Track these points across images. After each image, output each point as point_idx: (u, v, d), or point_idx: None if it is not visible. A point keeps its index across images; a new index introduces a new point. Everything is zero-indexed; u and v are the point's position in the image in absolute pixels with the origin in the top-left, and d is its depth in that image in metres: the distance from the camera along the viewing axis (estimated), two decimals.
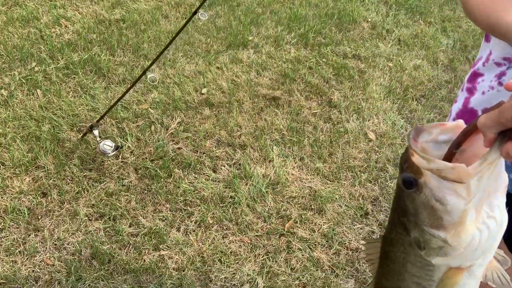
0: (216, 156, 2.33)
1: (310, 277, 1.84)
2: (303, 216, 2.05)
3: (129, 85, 2.72)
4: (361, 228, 2.02)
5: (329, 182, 2.22)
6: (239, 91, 2.71)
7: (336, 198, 2.13)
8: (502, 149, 0.48)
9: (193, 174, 2.23)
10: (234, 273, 1.86)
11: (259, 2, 3.63)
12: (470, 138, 0.51)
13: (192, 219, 2.04)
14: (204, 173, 2.24)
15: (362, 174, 2.25)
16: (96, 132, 2.22)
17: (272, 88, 2.78)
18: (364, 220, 2.05)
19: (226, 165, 2.28)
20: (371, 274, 1.83)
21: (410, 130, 0.50)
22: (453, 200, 0.50)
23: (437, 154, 0.54)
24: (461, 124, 0.53)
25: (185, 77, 2.80)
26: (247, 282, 1.83)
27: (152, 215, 2.05)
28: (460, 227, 0.51)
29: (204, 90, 2.72)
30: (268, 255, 1.92)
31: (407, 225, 0.55)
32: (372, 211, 2.08)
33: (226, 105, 2.62)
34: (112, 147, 2.15)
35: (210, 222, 2.03)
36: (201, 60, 2.95)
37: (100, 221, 2.03)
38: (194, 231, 2.00)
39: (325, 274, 1.85)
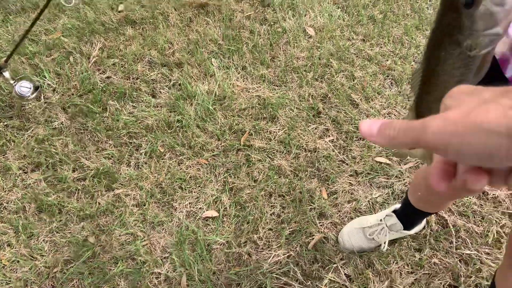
0: (151, 79, 2.12)
1: (275, 185, 1.82)
2: (256, 127, 1.97)
3: (33, 14, 2.34)
4: (315, 128, 1.99)
5: (276, 87, 2.13)
6: (161, 2, 2.43)
7: (286, 103, 2.06)
8: None
9: (131, 103, 2.03)
10: (197, 197, 1.79)
11: None
12: None
13: (141, 151, 1.89)
14: (143, 100, 2.05)
15: (308, 73, 2.18)
16: (7, 74, 1.91)
17: None
18: (317, 119, 2.02)
19: (165, 87, 2.10)
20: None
21: None
22: (507, 5, 0.56)
23: None
24: None
25: None
26: (212, 202, 1.78)
27: (96, 155, 1.88)
28: (505, 22, 0.58)
29: (121, 7, 2.40)
30: (228, 172, 1.86)
31: (460, 40, 0.62)
32: (324, 108, 2.05)
33: (150, 20, 2.34)
34: (30, 88, 1.88)
35: (162, 151, 1.90)
36: None
37: (37, 172, 1.83)
38: (146, 163, 1.87)
39: (289, 179, 1.84)
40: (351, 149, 1.93)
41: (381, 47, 2.32)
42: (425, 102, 0.76)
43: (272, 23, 2.39)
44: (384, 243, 1.63)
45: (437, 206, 1.47)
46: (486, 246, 1.70)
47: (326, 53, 2.26)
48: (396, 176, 1.84)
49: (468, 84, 0.60)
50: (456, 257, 1.67)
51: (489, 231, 1.73)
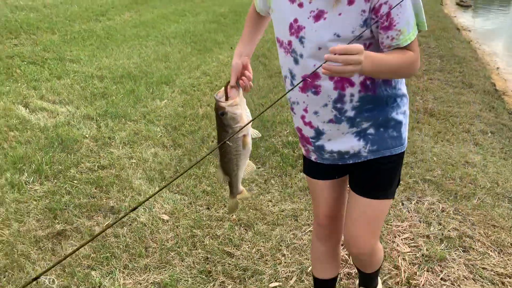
0: None
1: None
2: None
3: None
4: (213, 285, 2.30)
5: (162, 270, 2.38)
6: (16, 246, 2.47)
7: (179, 277, 2.32)
8: (241, 85, 1.41)
9: None
10: None
11: None
12: (229, 91, 1.37)
13: None
14: None
15: (183, 247, 2.53)
16: None
17: (48, 226, 2.65)
18: (210, 278, 2.34)
19: None
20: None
21: (215, 96, 1.36)
22: (238, 111, 1.36)
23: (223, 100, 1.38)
24: (223, 90, 1.37)
25: None
26: None
27: None
28: (242, 118, 1.35)
29: None
30: None
31: (227, 129, 1.37)
32: (211, 267, 2.40)
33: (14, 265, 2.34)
34: None
35: None
36: None
37: None
38: None
39: None
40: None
41: (222, 208, 2.91)
42: (223, 161, 1.48)
43: (130, 223, 2.72)
44: None
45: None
46: None
47: (187, 227, 2.69)
48: None
49: (241, 155, 1.44)
50: None
51: None
